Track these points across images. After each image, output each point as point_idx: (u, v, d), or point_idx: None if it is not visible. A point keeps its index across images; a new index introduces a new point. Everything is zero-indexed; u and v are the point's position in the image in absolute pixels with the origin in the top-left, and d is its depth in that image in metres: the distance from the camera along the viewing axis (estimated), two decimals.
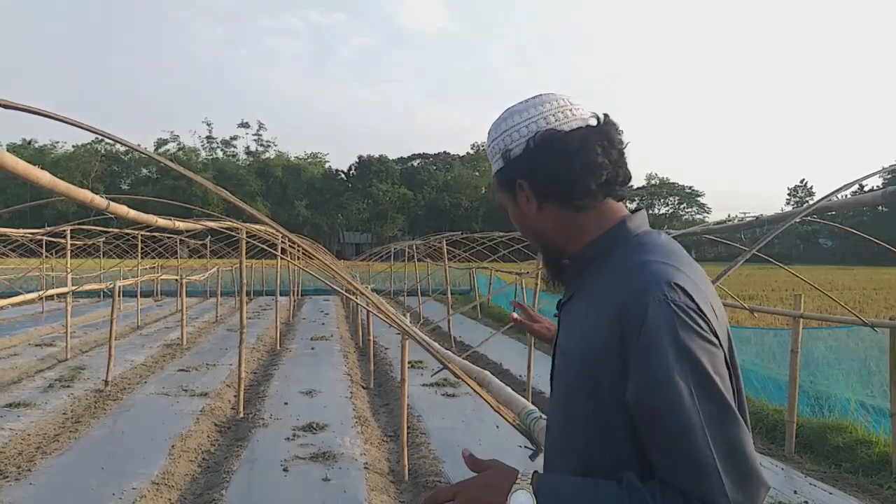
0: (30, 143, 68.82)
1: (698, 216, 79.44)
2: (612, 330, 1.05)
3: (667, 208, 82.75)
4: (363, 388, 8.43)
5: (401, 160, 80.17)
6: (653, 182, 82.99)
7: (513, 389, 2.72)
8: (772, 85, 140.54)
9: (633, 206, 1.31)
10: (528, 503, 1.07)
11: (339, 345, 11.68)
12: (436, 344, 4.41)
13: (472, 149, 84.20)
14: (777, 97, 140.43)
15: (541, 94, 1.23)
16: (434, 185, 75.92)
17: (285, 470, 5.18)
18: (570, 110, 1.20)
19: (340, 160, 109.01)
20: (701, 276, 1.12)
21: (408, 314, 6.57)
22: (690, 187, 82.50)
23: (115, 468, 5.16)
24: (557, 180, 1.17)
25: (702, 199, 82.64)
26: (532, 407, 2.44)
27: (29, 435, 6.13)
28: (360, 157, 76.31)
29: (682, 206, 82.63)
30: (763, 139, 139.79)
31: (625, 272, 1.10)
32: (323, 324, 14.97)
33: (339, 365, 9.69)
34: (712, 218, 78.94)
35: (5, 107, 1.74)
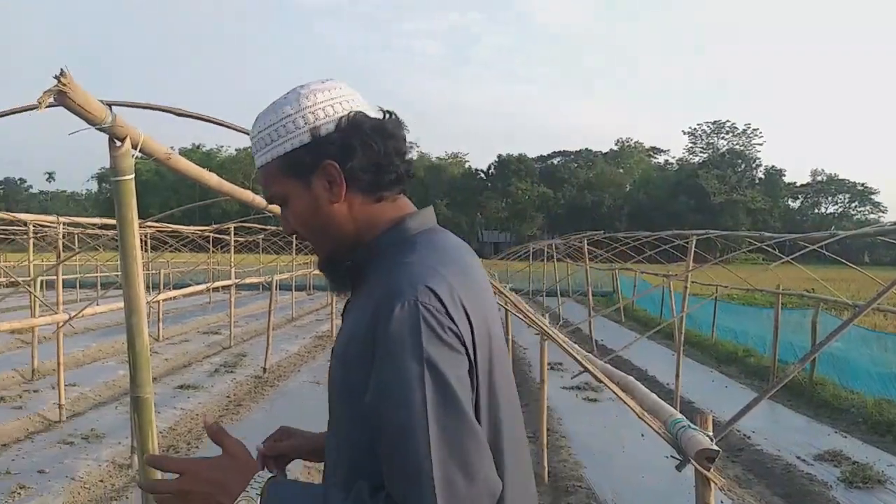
0: (198, 147, 75.68)
1: (872, 216, 71.96)
2: (367, 333, 0.99)
3: (835, 207, 75.63)
4: None
5: (540, 158, 79.61)
6: (819, 178, 76.21)
7: (659, 397, 2.59)
8: None
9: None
10: None
11: None
12: (576, 346, 4.30)
13: (615, 145, 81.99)
14: None
15: (334, 79, 1.13)
16: (575, 183, 74.65)
17: None
18: (364, 103, 1.14)
19: (480, 159, 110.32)
20: (470, 279, 1.08)
21: (547, 315, 6.48)
22: (863, 184, 74.80)
23: None
24: (374, 163, 1.09)
25: (876, 197, 74.79)
26: (679, 416, 2.31)
27: (197, 415, 6.72)
28: (499, 156, 76.66)
29: (853, 205, 75.20)
30: None
31: (387, 273, 1.04)
32: None
33: None
34: (888, 217, 71.47)
35: (180, 114, 1.89)
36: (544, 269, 20.63)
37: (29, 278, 8.80)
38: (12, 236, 15.36)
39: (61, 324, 6.24)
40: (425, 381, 0.94)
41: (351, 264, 1.15)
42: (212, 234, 15.22)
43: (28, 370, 8.22)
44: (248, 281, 13.68)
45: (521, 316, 5.04)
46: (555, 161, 79.94)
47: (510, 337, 9.41)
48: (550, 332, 4.60)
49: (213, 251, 19.35)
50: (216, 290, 14.80)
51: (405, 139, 1.16)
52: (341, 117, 1.09)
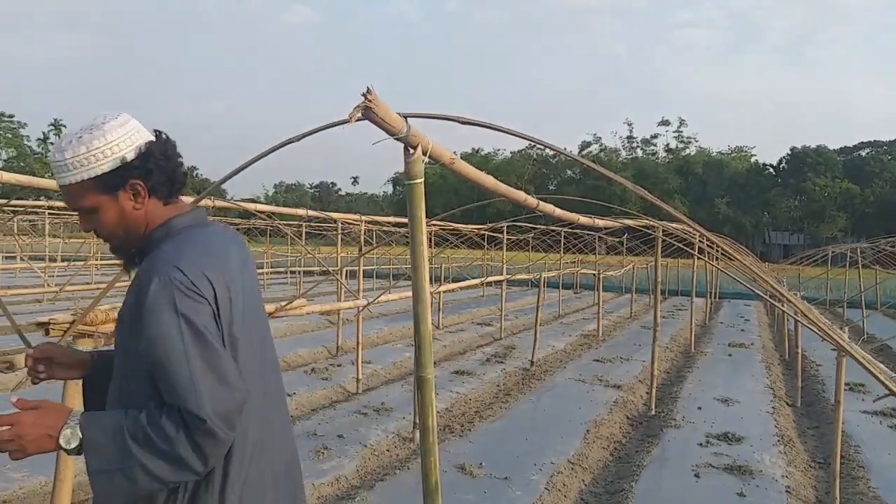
0: (477, 151, 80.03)
1: None
2: (136, 304, 1.43)
3: None
4: (788, 405, 7.63)
5: (844, 150, 69.73)
6: None
7: None
8: None
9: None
10: (74, 438, 1.37)
11: (761, 354, 10.78)
12: (881, 365, 3.75)
13: None
14: None
15: (123, 114, 1.53)
16: (888, 178, 63.99)
17: (696, 476, 5.03)
18: (144, 129, 1.56)
19: (769, 153, 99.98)
20: (220, 259, 1.53)
21: (846, 328, 5.70)
22: None
23: (537, 441, 5.70)
24: (169, 178, 1.55)
25: None
26: None
27: (470, 400, 7.18)
28: (792, 149, 68.79)
29: None
30: None
31: (150, 258, 1.48)
32: (742, 330, 14.01)
33: (759, 376, 8.96)
34: None
35: (463, 122, 2.06)
36: (846, 276, 18.07)
37: (337, 268, 10.17)
38: (325, 232, 17.94)
39: (361, 308, 7.13)
40: (181, 327, 1.38)
41: (135, 251, 1.58)
42: (486, 233, 16.07)
43: (333, 347, 9.54)
44: (517, 277, 14.20)
45: (813, 328, 4.52)
46: (862, 153, 69.40)
47: (800, 351, 8.47)
48: (849, 348, 4.05)
49: (487, 248, 20.42)
50: (489, 284, 15.61)
51: (179, 156, 1.60)
52: (139, 146, 1.51)
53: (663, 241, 7.66)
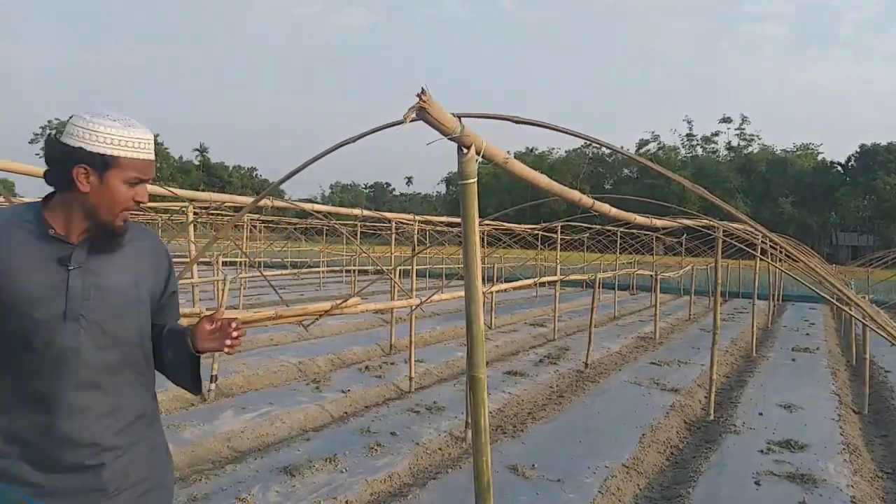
0: (531, 150, 79.46)
1: None
2: (165, 260, 1.93)
3: None
4: (854, 412, 7.32)
5: None
6: None
7: None
8: None
9: None
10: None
11: (826, 360, 10.37)
12: None
13: None
14: None
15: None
16: None
17: (757, 483, 4.88)
18: None
19: (837, 151, 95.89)
20: None
21: None
22: None
23: (590, 444, 5.62)
24: None
25: None
26: None
27: (522, 401, 7.14)
28: (861, 147, 65.96)
29: None
30: None
31: (141, 230, 1.89)
32: (807, 334, 13.51)
33: (825, 382, 8.62)
34: None
35: (518, 122, 2.05)
36: None
37: (390, 267, 10.26)
38: (379, 231, 18.15)
39: (414, 307, 7.18)
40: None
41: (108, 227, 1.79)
42: (540, 232, 15.94)
43: (387, 345, 9.63)
44: (572, 278, 14.07)
45: (882, 333, 4.33)
46: None
47: (868, 356, 8.12)
48: None
49: (540, 248, 20.27)
50: (542, 285, 15.49)
51: None
52: None
53: (724, 241, 7.45)
